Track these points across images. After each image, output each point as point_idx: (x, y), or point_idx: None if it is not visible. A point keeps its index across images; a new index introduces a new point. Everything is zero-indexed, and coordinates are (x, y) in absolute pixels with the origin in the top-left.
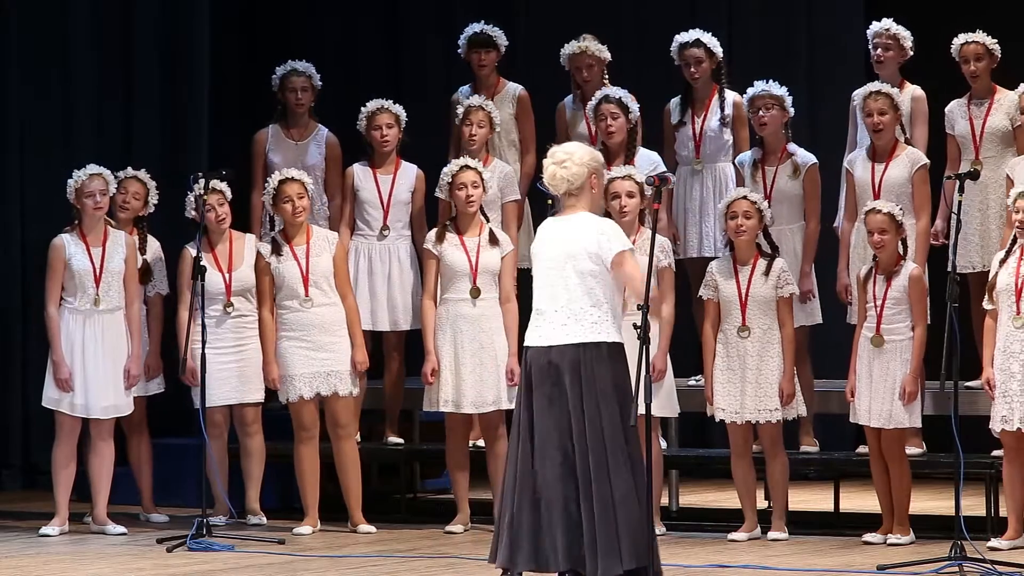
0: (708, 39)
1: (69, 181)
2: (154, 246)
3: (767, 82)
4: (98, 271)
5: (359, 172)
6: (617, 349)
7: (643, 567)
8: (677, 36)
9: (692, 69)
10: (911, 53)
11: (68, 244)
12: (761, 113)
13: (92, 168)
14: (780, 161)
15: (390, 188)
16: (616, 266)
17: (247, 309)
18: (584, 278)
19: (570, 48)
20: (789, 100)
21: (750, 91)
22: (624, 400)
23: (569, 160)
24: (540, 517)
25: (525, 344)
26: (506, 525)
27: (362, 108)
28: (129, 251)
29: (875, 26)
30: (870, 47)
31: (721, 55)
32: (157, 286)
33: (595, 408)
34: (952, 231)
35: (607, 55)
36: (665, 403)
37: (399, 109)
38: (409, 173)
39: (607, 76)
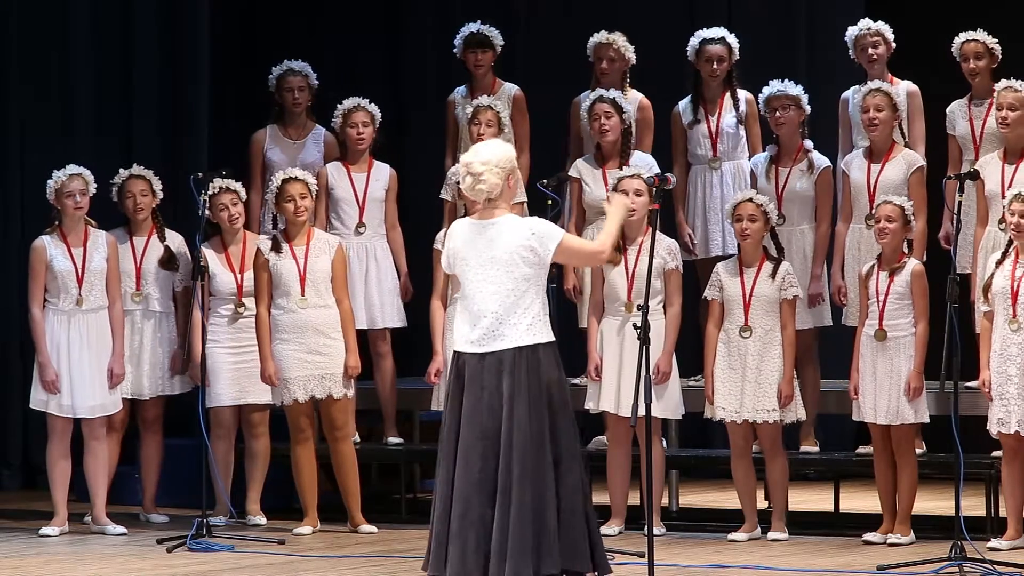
0: (732, 39)
1: (49, 182)
2: (176, 240)
3: (783, 82)
4: (80, 271)
5: (332, 171)
6: (552, 349)
7: (577, 571)
8: (699, 32)
9: (714, 66)
10: (894, 46)
11: (48, 245)
12: (778, 113)
13: (72, 168)
14: (795, 161)
15: (364, 185)
16: (561, 255)
17: None
18: (518, 283)
19: (598, 37)
20: (805, 99)
21: (766, 91)
22: (555, 399)
23: (487, 172)
24: (454, 524)
25: (456, 349)
26: (437, 533)
27: (338, 105)
28: (111, 251)
29: (857, 28)
30: (852, 50)
31: (737, 56)
32: (184, 280)
33: (525, 413)
34: (952, 231)
35: (632, 56)
36: (669, 405)
37: (375, 109)
38: (383, 172)
39: (628, 79)
